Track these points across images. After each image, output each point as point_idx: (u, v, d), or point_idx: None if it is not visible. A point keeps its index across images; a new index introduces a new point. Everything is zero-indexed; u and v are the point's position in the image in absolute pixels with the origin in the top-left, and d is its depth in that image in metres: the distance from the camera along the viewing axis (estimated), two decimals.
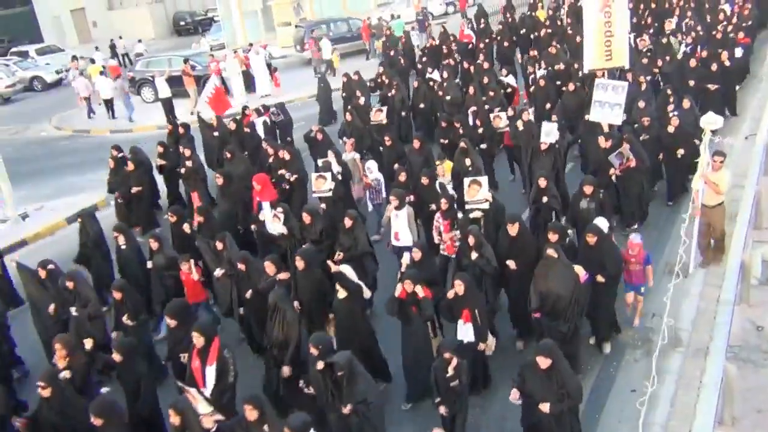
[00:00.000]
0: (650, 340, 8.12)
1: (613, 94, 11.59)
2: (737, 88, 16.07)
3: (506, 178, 13.35)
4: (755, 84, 17.18)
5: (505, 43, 21.68)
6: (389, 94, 16.51)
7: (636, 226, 10.67)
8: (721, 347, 7.39)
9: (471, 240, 7.90)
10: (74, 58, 28.23)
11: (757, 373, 7.56)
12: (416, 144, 12.07)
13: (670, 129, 11.20)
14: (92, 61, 27.47)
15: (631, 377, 7.71)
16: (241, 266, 8.25)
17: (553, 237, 7.73)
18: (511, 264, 7.94)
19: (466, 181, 9.33)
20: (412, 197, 10.06)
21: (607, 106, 11.54)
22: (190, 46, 32.35)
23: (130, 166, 12.67)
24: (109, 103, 23.00)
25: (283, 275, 8.09)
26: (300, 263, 7.98)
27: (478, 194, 9.04)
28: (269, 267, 8.03)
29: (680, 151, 11.02)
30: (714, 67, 14.57)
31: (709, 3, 23.01)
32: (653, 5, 23.58)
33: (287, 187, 11.62)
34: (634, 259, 8.16)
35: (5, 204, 14.35)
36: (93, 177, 13.23)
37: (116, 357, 6.90)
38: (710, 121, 9.09)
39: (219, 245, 8.74)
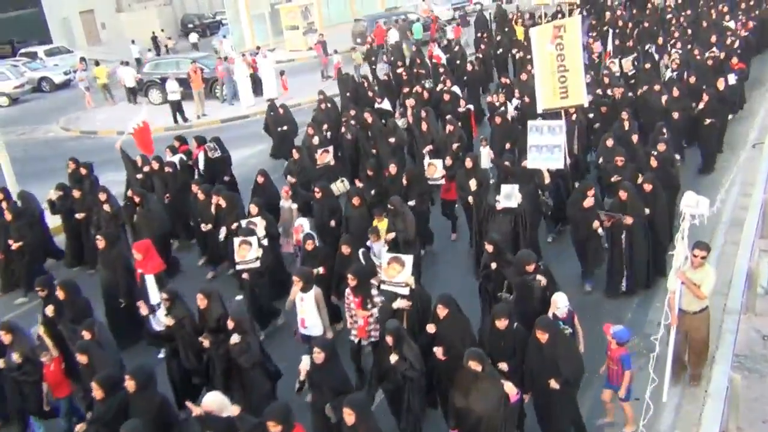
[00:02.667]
0: (654, 348, 8.08)
1: (550, 136, 10.40)
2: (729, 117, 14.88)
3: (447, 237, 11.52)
4: (762, 92, 17.11)
5: (468, 67, 18.87)
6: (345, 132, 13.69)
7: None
8: (727, 356, 7.36)
9: (389, 339, 6.43)
10: (82, 59, 28.43)
11: (763, 383, 7.53)
12: (356, 202, 9.99)
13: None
14: (96, 63, 27.64)
15: (634, 385, 7.65)
16: (81, 358, 6.69)
17: (501, 324, 6.47)
18: (438, 352, 6.58)
19: (386, 256, 7.67)
20: (322, 270, 8.53)
21: (545, 150, 10.36)
22: (202, 47, 32.80)
23: (8, 216, 10.60)
24: (131, 92, 24.71)
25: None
26: (130, 383, 6.05)
27: (398, 276, 7.30)
28: (96, 390, 6.12)
29: None
30: (705, 98, 12.98)
31: (708, 21, 21.52)
32: (646, 24, 22.07)
33: (226, 238, 9.89)
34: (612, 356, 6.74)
35: None
36: (100, 179, 13.27)
37: None
38: (690, 203, 7.00)
39: (86, 335, 7.09)
